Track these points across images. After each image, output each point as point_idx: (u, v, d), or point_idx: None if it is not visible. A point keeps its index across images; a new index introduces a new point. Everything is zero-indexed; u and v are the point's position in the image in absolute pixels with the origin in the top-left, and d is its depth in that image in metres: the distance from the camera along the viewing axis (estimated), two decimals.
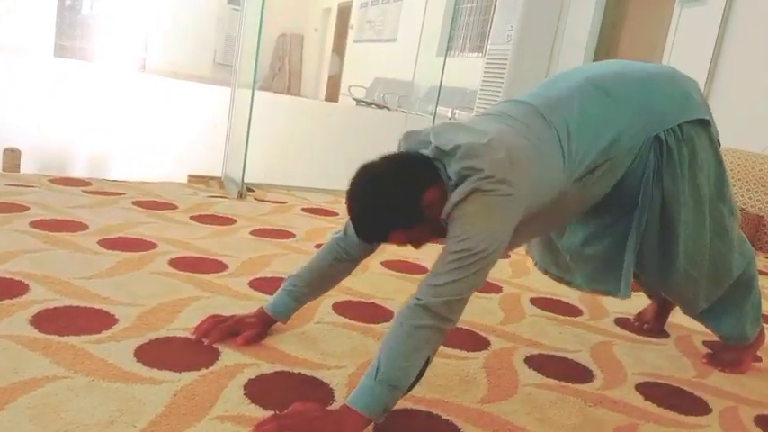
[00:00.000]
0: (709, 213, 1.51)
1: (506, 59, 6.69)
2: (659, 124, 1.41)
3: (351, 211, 1.25)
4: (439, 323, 1.14)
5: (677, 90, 1.47)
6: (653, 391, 1.52)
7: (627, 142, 1.38)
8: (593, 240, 1.58)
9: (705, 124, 1.47)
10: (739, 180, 3.82)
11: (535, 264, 1.82)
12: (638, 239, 1.49)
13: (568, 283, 1.71)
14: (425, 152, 1.26)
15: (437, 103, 3.80)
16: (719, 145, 1.53)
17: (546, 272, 1.78)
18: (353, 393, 1.12)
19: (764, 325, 1.74)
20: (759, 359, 1.80)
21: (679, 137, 1.42)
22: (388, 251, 2.32)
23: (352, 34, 13.21)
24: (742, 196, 3.80)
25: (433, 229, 1.24)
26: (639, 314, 2.00)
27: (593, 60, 5.88)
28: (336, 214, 2.88)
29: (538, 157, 1.28)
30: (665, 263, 1.53)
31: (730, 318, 1.66)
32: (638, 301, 1.99)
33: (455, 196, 1.17)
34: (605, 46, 5.88)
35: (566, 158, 1.32)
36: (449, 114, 7.52)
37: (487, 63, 7.06)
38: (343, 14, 13.79)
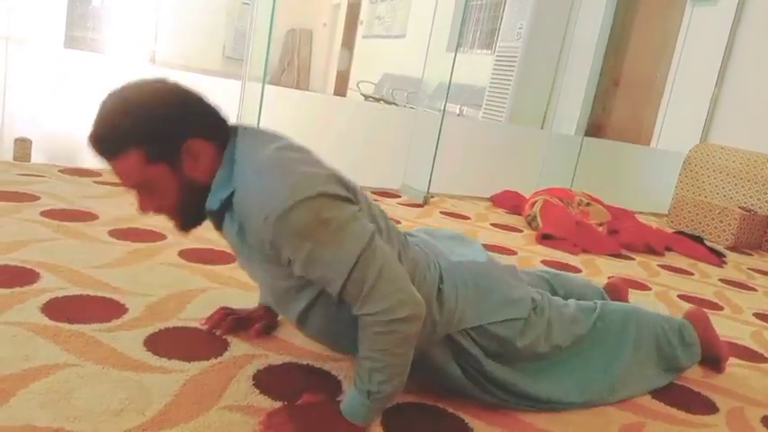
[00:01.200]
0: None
1: (516, 57, 6.68)
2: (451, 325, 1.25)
3: (101, 104, 1.05)
4: (411, 324, 1.06)
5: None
6: (660, 390, 1.52)
7: None
8: None
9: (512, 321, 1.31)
10: (749, 181, 3.80)
11: None
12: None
13: None
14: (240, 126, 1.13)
15: (446, 100, 3.79)
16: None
17: None
18: (348, 406, 1.10)
19: (762, 323, 1.73)
20: (765, 360, 1.80)
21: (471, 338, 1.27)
22: None
23: (361, 30, 13.20)
24: (751, 197, 3.78)
25: (180, 199, 1.10)
26: None
27: (603, 57, 5.86)
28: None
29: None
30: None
31: (666, 370, 1.54)
32: (644, 301, 1.98)
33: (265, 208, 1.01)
34: (615, 44, 5.86)
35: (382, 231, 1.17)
36: (457, 111, 7.51)
37: (497, 60, 7.05)
38: (353, 10, 13.77)
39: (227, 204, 1.10)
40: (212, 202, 1.11)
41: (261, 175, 1.04)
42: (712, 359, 1.66)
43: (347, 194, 1.08)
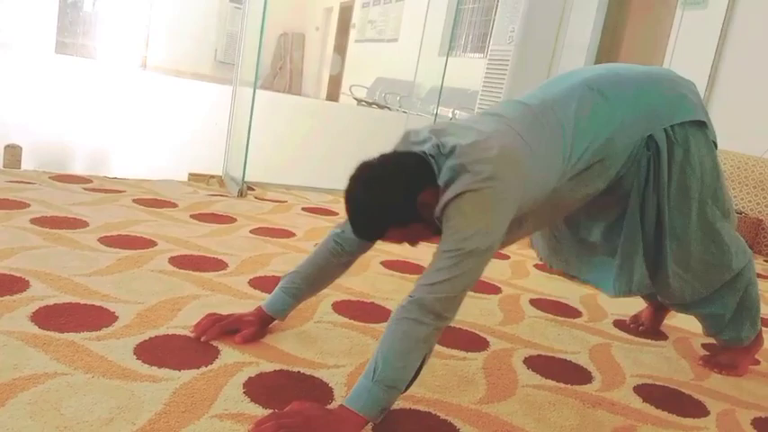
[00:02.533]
0: (700, 215, 1.52)
1: (508, 60, 6.70)
2: (654, 124, 1.42)
3: (348, 208, 1.26)
4: (435, 322, 1.15)
5: (673, 91, 1.48)
6: (651, 392, 1.53)
7: (621, 141, 1.40)
8: (594, 242, 1.61)
9: (701, 125, 1.48)
10: (739, 183, 3.82)
11: (540, 259, 1.85)
12: (632, 240, 1.50)
13: (572, 277, 1.75)
14: (424, 148, 1.27)
15: (438, 104, 3.80)
16: (716, 147, 1.53)
17: (551, 268, 1.82)
18: (351, 393, 1.13)
19: (763, 328, 1.74)
20: (757, 362, 1.80)
21: (673, 137, 1.43)
22: (388, 251, 2.32)
23: (353, 34, 13.21)
24: (742, 199, 3.80)
25: (428, 228, 1.26)
26: (635, 316, 2.00)
27: (595, 62, 5.88)
28: (336, 213, 2.88)
29: (532, 155, 1.29)
30: (654, 262, 1.55)
31: (728, 322, 1.66)
32: (637, 302, 1.99)
33: (449, 193, 1.19)
34: (607, 48, 5.88)
35: (562, 157, 1.34)
36: (450, 115, 7.52)
37: (489, 64, 7.06)
38: (345, 14, 13.79)
39: None
40: (438, 210, 1.26)
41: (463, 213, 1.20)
42: (730, 365, 1.71)
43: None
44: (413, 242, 1.32)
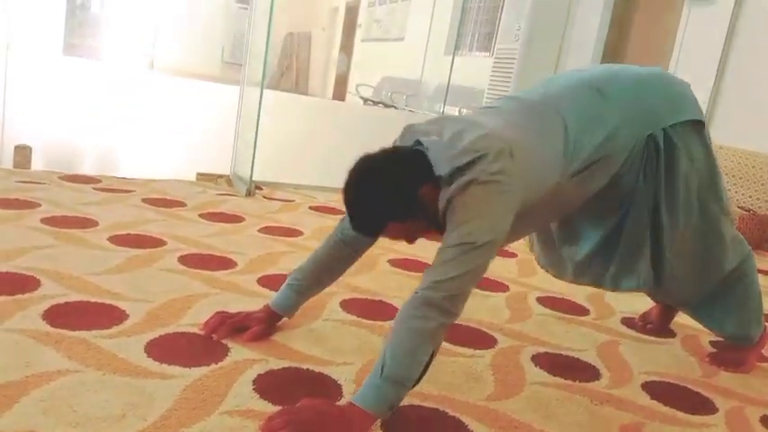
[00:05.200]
0: (700, 213, 1.52)
1: (514, 59, 6.68)
2: (653, 123, 1.43)
3: (347, 201, 1.26)
4: (442, 318, 1.15)
5: (671, 91, 1.49)
6: (659, 390, 1.53)
7: (621, 139, 1.40)
8: (591, 245, 1.59)
9: (698, 125, 1.49)
10: (747, 181, 3.81)
11: (540, 265, 1.83)
12: (637, 238, 1.50)
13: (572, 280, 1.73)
14: (424, 140, 1.26)
15: (445, 102, 3.80)
16: (711, 144, 1.54)
17: (547, 271, 1.80)
18: (360, 391, 1.13)
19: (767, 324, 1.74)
20: (765, 359, 1.80)
21: (671, 137, 1.43)
22: (395, 250, 2.33)
23: (359, 33, 13.22)
24: (750, 197, 3.78)
25: (428, 224, 1.26)
26: (644, 314, 2.00)
27: (601, 61, 5.87)
28: (344, 212, 2.87)
29: (534, 151, 1.29)
30: (654, 262, 1.54)
31: (733, 318, 1.67)
32: (646, 301, 1.99)
33: (453, 188, 1.18)
34: (613, 45, 5.87)
35: (564, 153, 1.34)
36: (456, 113, 7.52)
37: (495, 62, 7.05)
38: (351, 13, 13.79)
39: None
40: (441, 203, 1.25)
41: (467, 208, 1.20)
42: (737, 362, 1.71)
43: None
44: (411, 238, 1.31)
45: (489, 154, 1.19)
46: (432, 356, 1.16)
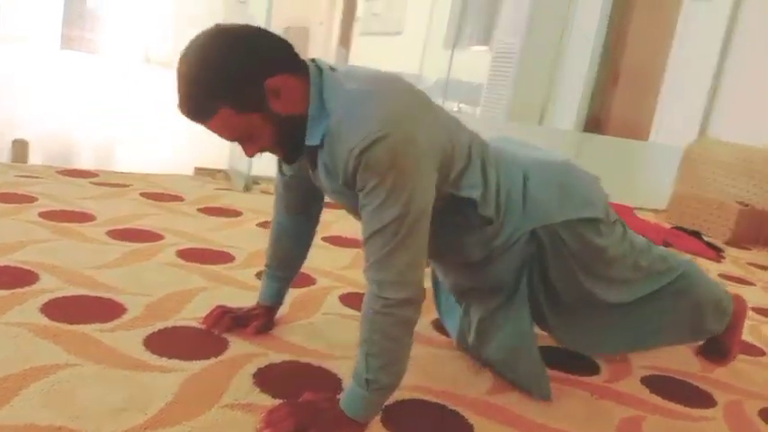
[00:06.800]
0: (609, 283, 1.40)
1: (514, 53, 6.67)
2: (538, 219, 1.29)
3: (178, 70, 1.06)
4: (407, 309, 1.08)
5: (563, 186, 1.33)
6: (658, 384, 1.53)
7: (504, 198, 1.28)
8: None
9: (593, 222, 1.33)
10: (745, 175, 3.81)
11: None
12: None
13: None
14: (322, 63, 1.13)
15: (444, 96, 3.79)
16: (617, 224, 1.41)
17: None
18: (347, 399, 1.11)
19: (760, 318, 1.73)
20: (762, 353, 1.81)
21: (559, 234, 1.30)
22: None
23: (357, 27, 13.18)
24: (748, 191, 3.79)
25: (279, 137, 1.10)
26: None
27: (601, 55, 5.87)
28: (342, 207, 2.87)
29: (437, 125, 1.15)
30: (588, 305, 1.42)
31: (691, 329, 1.57)
32: None
33: (355, 138, 1.03)
34: (613, 40, 5.86)
35: (460, 147, 1.20)
36: (455, 108, 7.51)
37: (495, 56, 7.05)
38: (349, 7, 13.75)
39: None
40: (312, 138, 1.10)
41: (353, 106, 1.05)
42: (720, 351, 1.67)
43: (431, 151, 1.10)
44: (251, 145, 1.11)
45: (392, 103, 1.06)
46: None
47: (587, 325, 1.45)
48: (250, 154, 1.13)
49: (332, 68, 1.14)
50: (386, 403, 1.16)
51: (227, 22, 1.07)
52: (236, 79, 1.03)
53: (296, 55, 1.10)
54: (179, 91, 1.06)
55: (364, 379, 1.09)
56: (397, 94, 1.10)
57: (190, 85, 1.05)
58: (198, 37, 1.06)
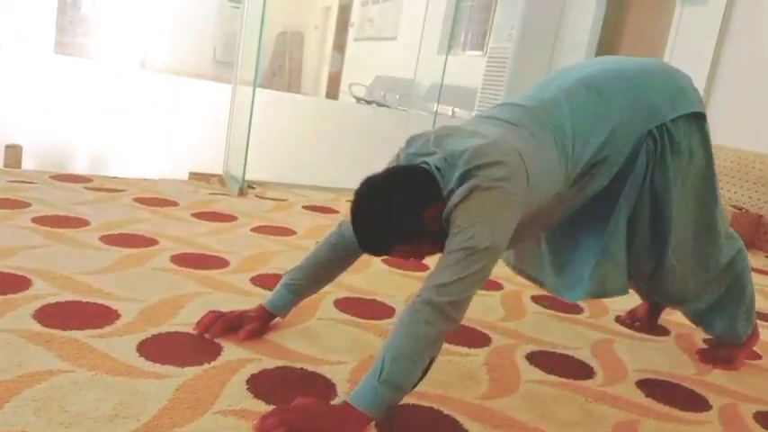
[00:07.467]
0: (698, 209, 1.52)
1: (507, 58, 6.69)
2: (652, 119, 1.41)
3: (354, 225, 1.26)
4: (444, 323, 1.14)
5: (670, 84, 1.47)
6: (653, 387, 1.53)
7: (621, 139, 1.39)
8: (582, 240, 1.55)
9: (699, 118, 1.47)
10: (740, 179, 3.82)
11: (507, 264, 1.77)
12: (629, 235, 1.49)
13: (541, 285, 1.68)
14: (429, 160, 1.26)
15: (438, 102, 3.80)
16: (710, 138, 1.52)
17: (519, 271, 1.75)
18: (356, 391, 1.12)
19: (758, 322, 1.75)
20: (758, 357, 1.81)
21: (672, 132, 1.42)
22: None
23: (352, 32, 13.20)
24: (742, 195, 3.80)
25: (435, 242, 1.24)
26: (631, 311, 2.00)
27: (595, 56, 5.88)
28: (337, 212, 2.88)
29: (536, 158, 1.28)
30: (653, 259, 1.53)
31: (722, 317, 1.66)
32: (638, 299, 1.99)
33: (456, 196, 1.18)
34: (606, 45, 5.88)
35: (565, 160, 1.34)
36: (449, 113, 7.52)
37: (489, 61, 7.06)
38: (344, 12, 13.77)
39: None
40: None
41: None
42: (727, 359, 1.71)
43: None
44: (420, 257, 1.32)
45: (493, 162, 1.19)
46: (431, 362, 1.15)
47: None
48: (422, 260, 1.36)
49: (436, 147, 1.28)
50: (390, 406, 1.15)
51: (378, 174, 1.26)
52: (403, 226, 1.23)
53: (432, 176, 1.24)
54: (359, 239, 1.26)
55: (378, 368, 1.11)
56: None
57: (368, 237, 1.25)
58: (362, 195, 1.24)
